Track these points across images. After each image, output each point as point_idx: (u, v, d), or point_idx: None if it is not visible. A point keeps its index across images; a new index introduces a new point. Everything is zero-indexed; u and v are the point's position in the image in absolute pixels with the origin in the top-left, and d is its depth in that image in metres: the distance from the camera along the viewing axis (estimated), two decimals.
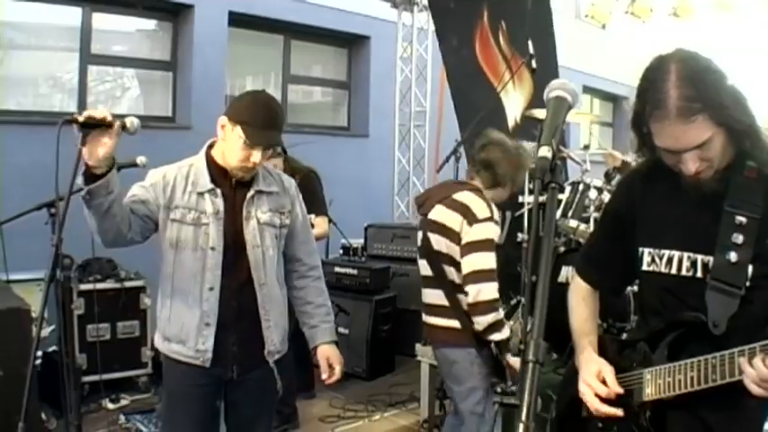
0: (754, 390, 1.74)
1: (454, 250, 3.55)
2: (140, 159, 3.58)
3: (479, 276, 3.42)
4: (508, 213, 5.99)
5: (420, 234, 3.78)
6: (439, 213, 3.65)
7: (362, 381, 6.13)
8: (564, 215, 4.92)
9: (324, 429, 5.11)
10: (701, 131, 1.78)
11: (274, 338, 2.93)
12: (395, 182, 9.10)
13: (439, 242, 3.61)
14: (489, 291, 3.40)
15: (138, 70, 8.29)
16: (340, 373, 3.04)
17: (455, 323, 3.57)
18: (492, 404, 3.68)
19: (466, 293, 3.46)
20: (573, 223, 4.87)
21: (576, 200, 4.90)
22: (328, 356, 3.03)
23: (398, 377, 6.25)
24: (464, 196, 3.60)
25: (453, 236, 3.55)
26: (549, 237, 1.41)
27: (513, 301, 5.76)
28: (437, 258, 3.62)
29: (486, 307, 3.40)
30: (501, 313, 3.46)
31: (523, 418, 1.26)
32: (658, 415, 2.00)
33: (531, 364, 1.31)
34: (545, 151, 1.45)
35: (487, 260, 3.45)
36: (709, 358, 1.82)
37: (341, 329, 6.06)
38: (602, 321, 4.28)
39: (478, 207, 3.54)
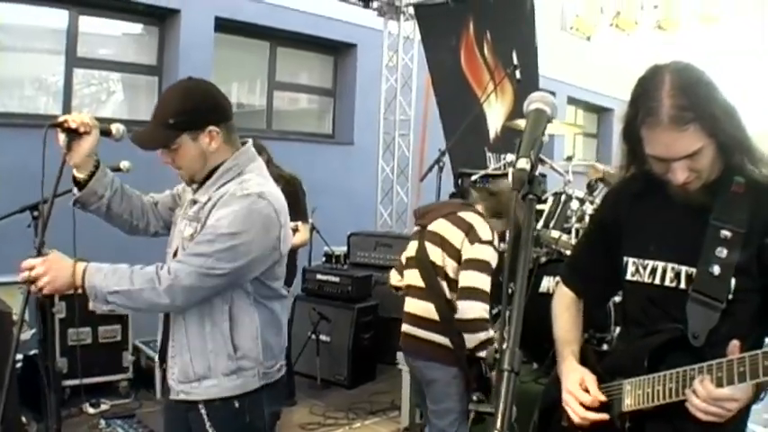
0: (702, 416, 1.80)
1: (450, 266, 3.56)
2: (124, 164, 3.57)
3: (472, 294, 3.44)
4: None
5: (414, 244, 3.76)
6: (441, 226, 3.66)
7: (343, 389, 6.14)
8: (546, 225, 4.93)
9: None
10: (692, 141, 1.80)
11: (175, 372, 2.49)
12: (378, 190, 9.10)
13: (436, 254, 3.61)
14: (479, 310, 3.41)
15: (123, 74, 8.25)
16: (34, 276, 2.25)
17: (444, 340, 3.54)
18: (466, 424, 3.64)
19: (455, 309, 3.48)
20: (555, 234, 4.89)
21: (558, 210, 4.91)
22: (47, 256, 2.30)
23: (379, 385, 6.26)
24: (470, 216, 3.64)
25: (452, 251, 3.56)
26: (526, 248, 1.43)
27: (495, 311, 5.77)
28: (432, 270, 3.61)
29: (477, 325, 3.41)
30: (491, 332, 3.45)
31: (498, 425, 1.27)
32: (638, 425, 2.01)
33: (506, 373, 1.31)
34: (523, 163, 1.46)
35: (483, 281, 3.47)
36: (687, 369, 1.84)
37: (322, 337, 6.08)
38: (584, 332, 4.30)
39: (482, 228, 3.58)
